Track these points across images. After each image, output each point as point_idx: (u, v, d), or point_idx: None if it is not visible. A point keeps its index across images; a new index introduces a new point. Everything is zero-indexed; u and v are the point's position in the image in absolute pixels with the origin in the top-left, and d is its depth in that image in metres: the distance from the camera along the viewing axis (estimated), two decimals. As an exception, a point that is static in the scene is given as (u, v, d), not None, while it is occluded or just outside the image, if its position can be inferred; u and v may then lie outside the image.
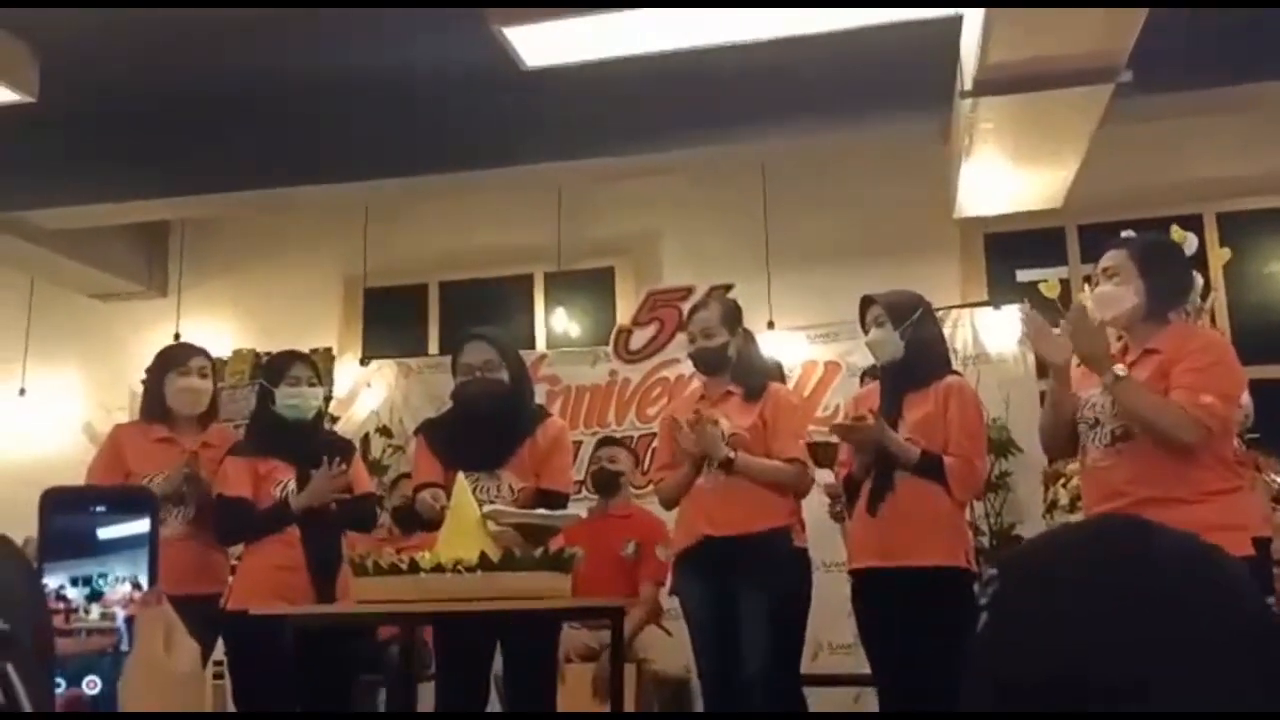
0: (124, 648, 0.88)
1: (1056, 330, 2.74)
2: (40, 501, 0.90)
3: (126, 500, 0.93)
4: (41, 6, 3.83)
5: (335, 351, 5.90)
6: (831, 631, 4.39)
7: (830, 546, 4.04)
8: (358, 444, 5.30)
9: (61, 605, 0.87)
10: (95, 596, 0.88)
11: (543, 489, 3.22)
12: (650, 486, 4.67)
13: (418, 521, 3.44)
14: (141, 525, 0.91)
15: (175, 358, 3.68)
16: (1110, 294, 2.72)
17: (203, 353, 3.73)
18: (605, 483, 4.48)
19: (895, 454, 3.12)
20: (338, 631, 3.50)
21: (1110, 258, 2.76)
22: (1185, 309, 2.88)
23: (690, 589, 3.42)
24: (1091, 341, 2.63)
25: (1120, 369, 2.60)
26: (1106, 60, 3.56)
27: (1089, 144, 4.14)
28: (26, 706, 0.68)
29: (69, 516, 0.90)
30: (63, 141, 4.77)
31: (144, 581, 0.90)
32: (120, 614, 0.88)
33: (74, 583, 0.88)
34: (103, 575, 0.88)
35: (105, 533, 0.89)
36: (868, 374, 4.13)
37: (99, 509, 0.90)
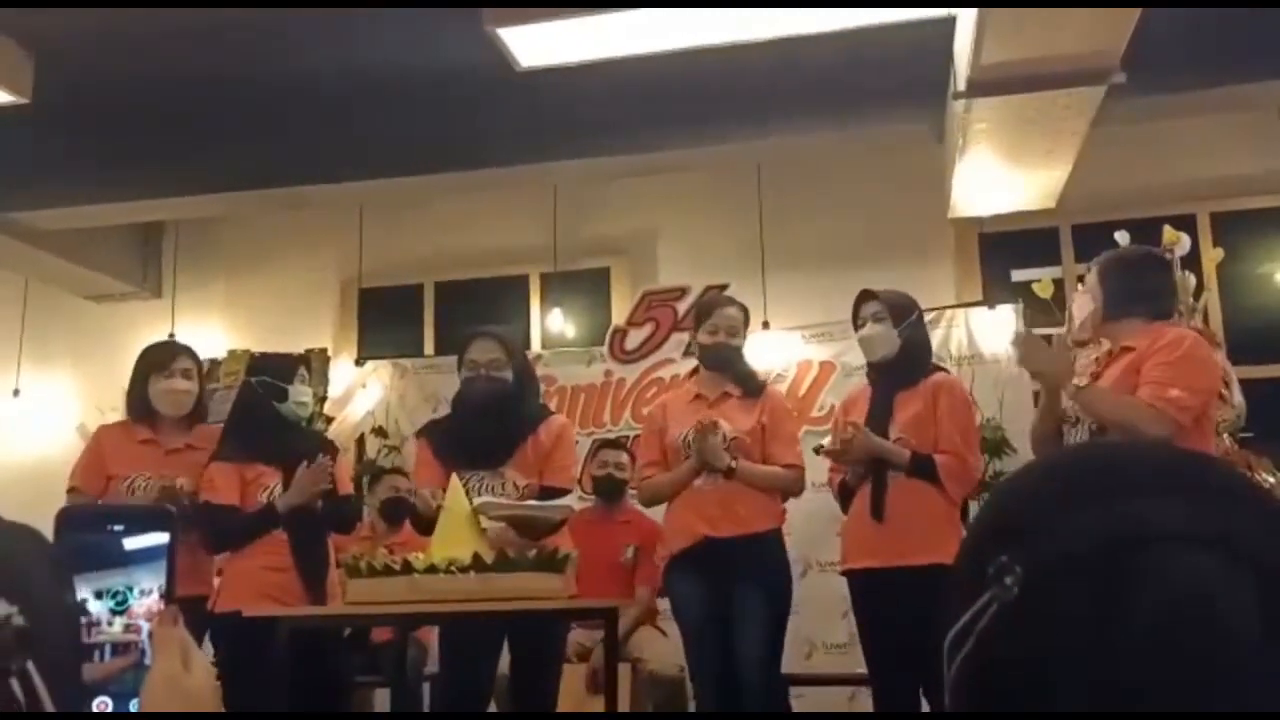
0: (147, 662, 0.85)
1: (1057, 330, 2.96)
2: (55, 521, 0.87)
3: (144, 521, 0.92)
4: (36, 6, 3.83)
5: (330, 352, 5.89)
6: (826, 632, 4.40)
7: (826, 547, 4.04)
8: (353, 445, 5.31)
9: (84, 619, 0.83)
10: (121, 609, 0.85)
11: (545, 485, 3.23)
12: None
13: (407, 511, 3.41)
14: (162, 537, 0.89)
15: (156, 360, 3.59)
16: (1078, 302, 3.00)
17: (186, 352, 3.61)
18: (612, 490, 4.47)
19: (887, 459, 3.17)
20: (331, 634, 3.48)
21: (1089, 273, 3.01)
22: (1166, 311, 2.94)
23: (687, 589, 3.41)
24: (1046, 360, 2.83)
25: (1079, 380, 2.77)
26: (1100, 61, 3.56)
27: (1083, 144, 4.14)
28: (49, 706, 0.65)
29: (86, 536, 0.88)
30: (57, 142, 4.76)
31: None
32: (146, 626, 0.86)
33: (98, 596, 0.85)
34: (129, 588, 0.85)
35: (131, 542, 0.87)
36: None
37: (116, 528, 0.88)
